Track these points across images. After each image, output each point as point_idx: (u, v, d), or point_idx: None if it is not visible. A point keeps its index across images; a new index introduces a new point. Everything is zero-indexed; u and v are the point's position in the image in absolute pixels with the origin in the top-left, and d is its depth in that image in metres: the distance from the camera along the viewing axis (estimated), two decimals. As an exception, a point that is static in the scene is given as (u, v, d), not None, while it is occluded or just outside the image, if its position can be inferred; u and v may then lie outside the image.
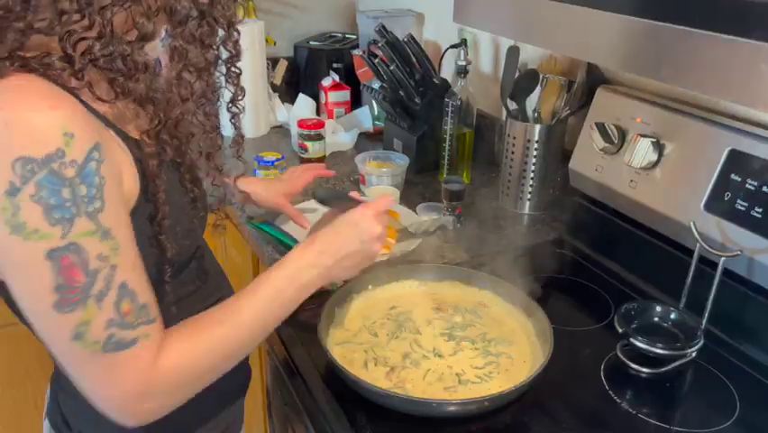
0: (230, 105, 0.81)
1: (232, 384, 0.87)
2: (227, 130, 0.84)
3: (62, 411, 0.84)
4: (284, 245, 1.24)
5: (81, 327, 0.60)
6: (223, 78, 0.76)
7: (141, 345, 0.64)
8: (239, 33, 0.74)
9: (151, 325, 0.65)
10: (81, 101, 0.61)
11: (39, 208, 0.56)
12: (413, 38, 1.60)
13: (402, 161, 1.54)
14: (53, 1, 0.59)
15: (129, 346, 0.63)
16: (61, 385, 0.84)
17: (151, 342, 0.65)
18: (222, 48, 0.73)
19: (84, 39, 0.61)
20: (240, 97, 0.81)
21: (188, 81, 0.69)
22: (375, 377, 0.90)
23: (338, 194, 0.93)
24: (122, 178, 0.65)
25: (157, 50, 0.69)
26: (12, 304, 0.73)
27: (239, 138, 0.85)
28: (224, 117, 0.82)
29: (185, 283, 0.80)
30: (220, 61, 0.73)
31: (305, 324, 1.02)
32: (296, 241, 1.22)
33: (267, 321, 0.76)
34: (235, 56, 0.75)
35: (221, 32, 0.71)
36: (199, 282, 0.84)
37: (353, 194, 1.05)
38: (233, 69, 0.77)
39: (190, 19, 0.66)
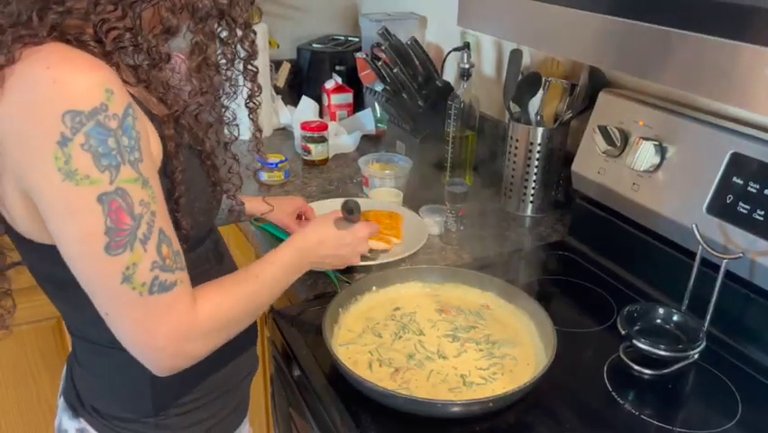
0: (248, 101, 0.85)
1: (245, 365, 0.95)
2: (243, 127, 0.88)
3: (76, 387, 0.88)
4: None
5: (130, 270, 0.65)
6: (240, 77, 0.81)
7: (180, 289, 0.69)
8: (255, 34, 0.78)
9: (185, 272, 0.71)
10: None
11: (89, 156, 0.61)
12: (416, 41, 1.61)
13: (405, 164, 1.55)
14: None
15: (171, 289, 0.68)
16: (78, 362, 0.87)
17: (187, 288, 0.71)
18: (240, 47, 0.78)
19: (115, 28, 0.65)
20: (257, 94, 0.85)
21: (207, 74, 0.74)
22: (380, 378, 0.91)
23: (358, 208, 1.01)
24: (150, 143, 0.69)
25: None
26: (29, 258, 0.77)
27: (257, 132, 0.89)
28: (242, 114, 0.87)
29: (202, 259, 0.85)
30: (238, 60, 0.78)
31: (309, 325, 1.03)
32: None
33: (278, 286, 0.87)
34: (252, 55, 0.80)
35: (238, 32, 0.76)
36: (215, 262, 0.88)
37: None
38: (249, 67, 0.82)
39: (210, 17, 0.72)
